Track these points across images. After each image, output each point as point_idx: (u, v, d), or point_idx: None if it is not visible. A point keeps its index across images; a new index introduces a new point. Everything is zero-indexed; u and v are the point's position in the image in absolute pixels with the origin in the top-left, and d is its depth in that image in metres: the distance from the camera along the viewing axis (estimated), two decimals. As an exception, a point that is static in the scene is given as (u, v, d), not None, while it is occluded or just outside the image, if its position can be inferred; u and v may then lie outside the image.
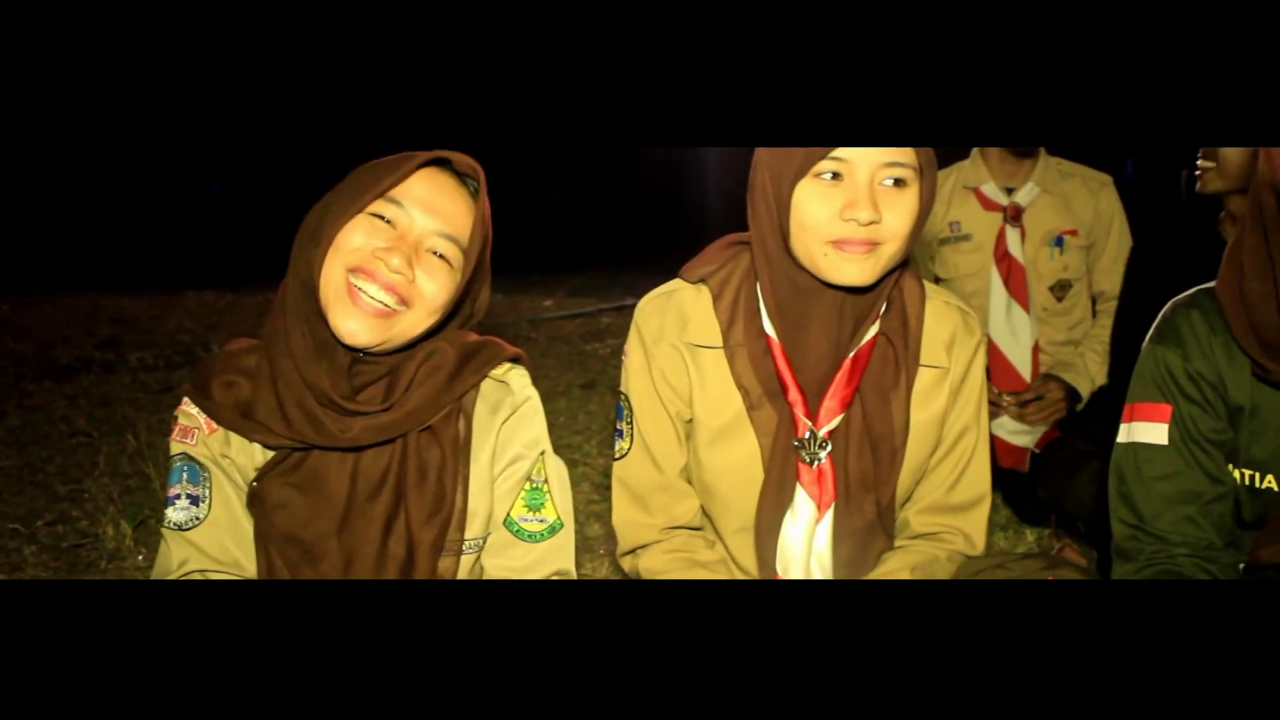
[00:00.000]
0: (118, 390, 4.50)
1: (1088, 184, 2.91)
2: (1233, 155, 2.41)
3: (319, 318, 1.30)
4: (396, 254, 1.28)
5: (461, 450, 1.41)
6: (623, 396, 1.59)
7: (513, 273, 8.74)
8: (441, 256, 1.33)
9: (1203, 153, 2.44)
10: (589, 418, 3.94)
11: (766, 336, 1.49)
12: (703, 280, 1.54)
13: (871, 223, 1.34)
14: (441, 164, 1.35)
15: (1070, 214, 2.89)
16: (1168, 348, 1.49)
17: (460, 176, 1.37)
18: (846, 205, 1.34)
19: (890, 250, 1.38)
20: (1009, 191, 2.89)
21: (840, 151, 1.34)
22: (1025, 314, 2.84)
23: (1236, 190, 2.43)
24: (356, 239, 1.29)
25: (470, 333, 1.46)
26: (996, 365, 2.84)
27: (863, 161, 1.34)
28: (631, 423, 1.57)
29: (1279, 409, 1.45)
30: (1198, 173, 2.41)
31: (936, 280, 2.98)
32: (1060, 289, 2.88)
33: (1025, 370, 2.82)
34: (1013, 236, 2.86)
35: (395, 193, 1.30)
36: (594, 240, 10.94)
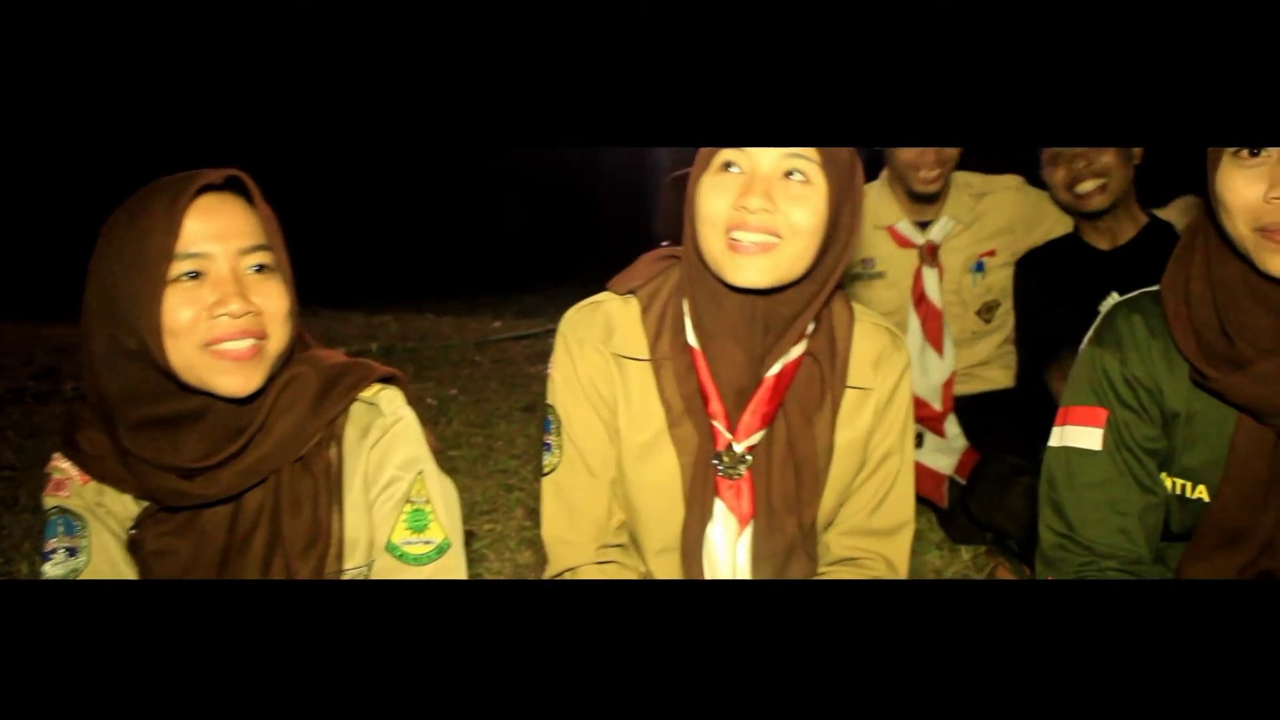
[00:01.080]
0: (49, 421, 4.36)
1: (1002, 193, 2.82)
2: (1115, 168, 2.42)
3: (185, 393, 1.25)
4: (230, 299, 1.23)
5: (334, 478, 1.35)
6: (550, 409, 1.55)
7: (462, 294, 8.68)
8: (263, 268, 1.28)
9: (1077, 174, 2.44)
10: (528, 441, 3.87)
11: (691, 349, 1.46)
12: (631, 292, 1.51)
13: (763, 210, 1.32)
14: (199, 191, 1.27)
15: (987, 234, 2.80)
16: (1106, 350, 1.46)
17: (222, 189, 1.29)
18: (740, 194, 1.33)
19: (792, 250, 1.34)
20: (923, 226, 2.80)
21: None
22: (938, 357, 2.76)
23: (1116, 203, 2.47)
24: (184, 313, 1.22)
25: (338, 354, 1.41)
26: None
27: (762, 154, 1.34)
28: (561, 433, 1.53)
29: (1214, 417, 1.42)
30: (1085, 191, 2.44)
31: None
32: (988, 311, 2.82)
33: (935, 403, 2.77)
34: (929, 278, 2.78)
35: (181, 246, 1.22)
36: (545, 259, 10.87)
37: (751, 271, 1.34)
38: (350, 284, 8.98)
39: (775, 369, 1.44)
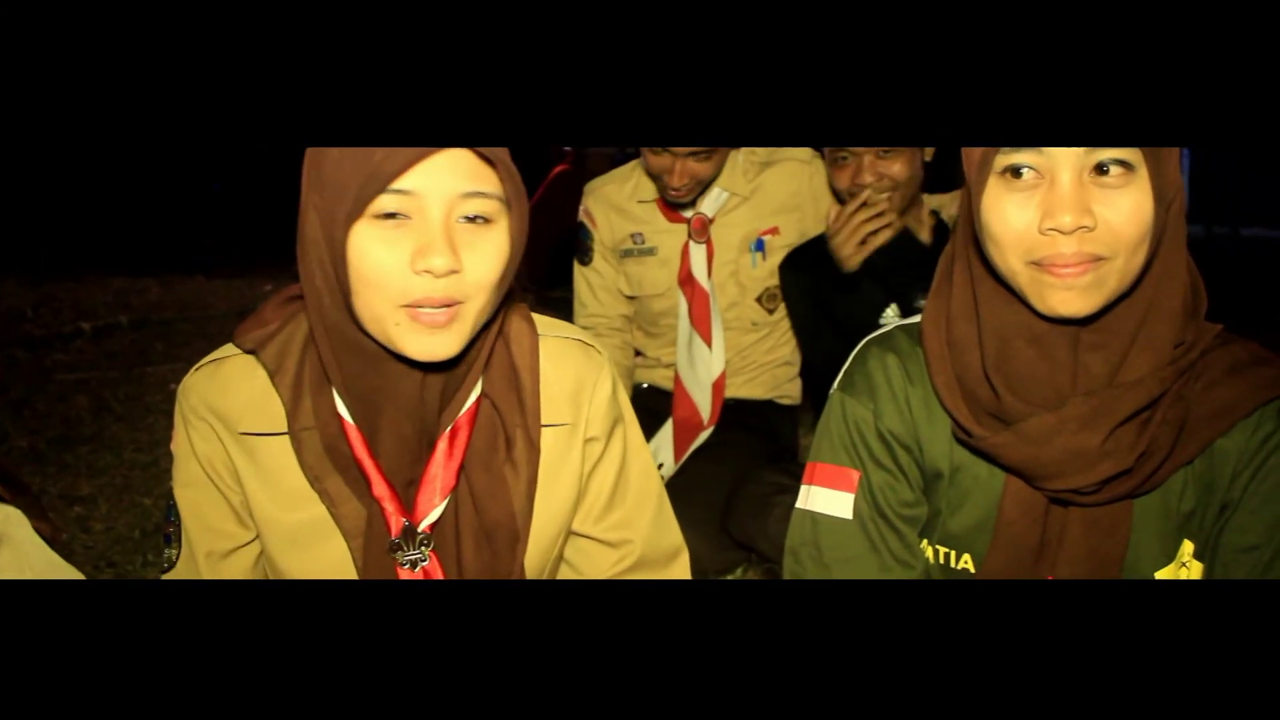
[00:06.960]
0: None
1: (788, 164, 2.50)
2: (905, 180, 2.08)
3: None
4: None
5: None
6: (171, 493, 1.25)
7: (240, 254, 8.04)
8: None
9: (862, 185, 2.08)
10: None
11: (340, 419, 1.17)
12: (254, 350, 1.19)
13: (451, 272, 1.04)
14: None
15: (768, 210, 2.49)
16: (858, 400, 1.24)
17: None
18: (419, 252, 1.04)
19: (475, 308, 1.09)
20: (694, 201, 2.49)
21: (406, 183, 1.04)
22: (706, 347, 2.48)
23: (903, 210, 2.15)
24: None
25: None
26: (679, 399, 2.53)
27: (432, 195, 1.05)
28: (180, 525, 1.23)
29: (981, 477, 1.21)
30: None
31: (629, 299, 2.63)
32: (771, 299, 2.52)
33: (704, 410, 2.50)
34: (697, 256, 2.48)
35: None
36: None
37: (438, 345, 1.08)
38: (111, 244, 8.23)
39: (448, 427, 1.19)
